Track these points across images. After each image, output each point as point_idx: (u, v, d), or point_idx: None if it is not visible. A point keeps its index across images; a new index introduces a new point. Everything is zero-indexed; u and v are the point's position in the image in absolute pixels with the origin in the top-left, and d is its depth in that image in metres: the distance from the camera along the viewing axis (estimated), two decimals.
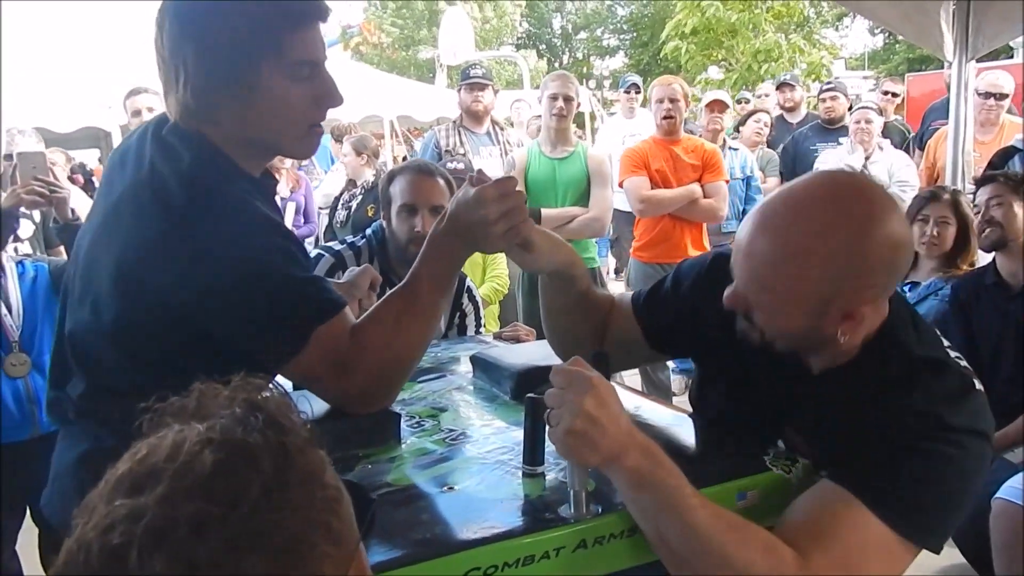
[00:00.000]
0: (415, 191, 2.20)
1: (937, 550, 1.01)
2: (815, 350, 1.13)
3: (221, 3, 1.17)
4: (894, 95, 5.89)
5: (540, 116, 5.82)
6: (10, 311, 2.36)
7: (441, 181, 2.24)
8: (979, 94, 4.25)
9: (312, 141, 1.30)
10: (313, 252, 2.35)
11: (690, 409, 1.41)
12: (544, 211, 3.50)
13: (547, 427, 1.06)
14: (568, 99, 3.56)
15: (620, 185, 3.85)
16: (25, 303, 2.39)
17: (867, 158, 4.32)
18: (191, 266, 1.12)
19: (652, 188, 3.69)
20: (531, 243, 1.28)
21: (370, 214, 4.16)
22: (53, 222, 2.71)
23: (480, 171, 1.30)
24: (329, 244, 2.45)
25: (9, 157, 3.07)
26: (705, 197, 3.70)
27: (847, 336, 1.05)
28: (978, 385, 1.07)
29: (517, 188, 1.25)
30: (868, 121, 4.34)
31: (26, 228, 2.86)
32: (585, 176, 3.57)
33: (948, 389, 1.04)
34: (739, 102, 7.55)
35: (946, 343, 1.14)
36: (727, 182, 3.86)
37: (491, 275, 3.50)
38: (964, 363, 1.10)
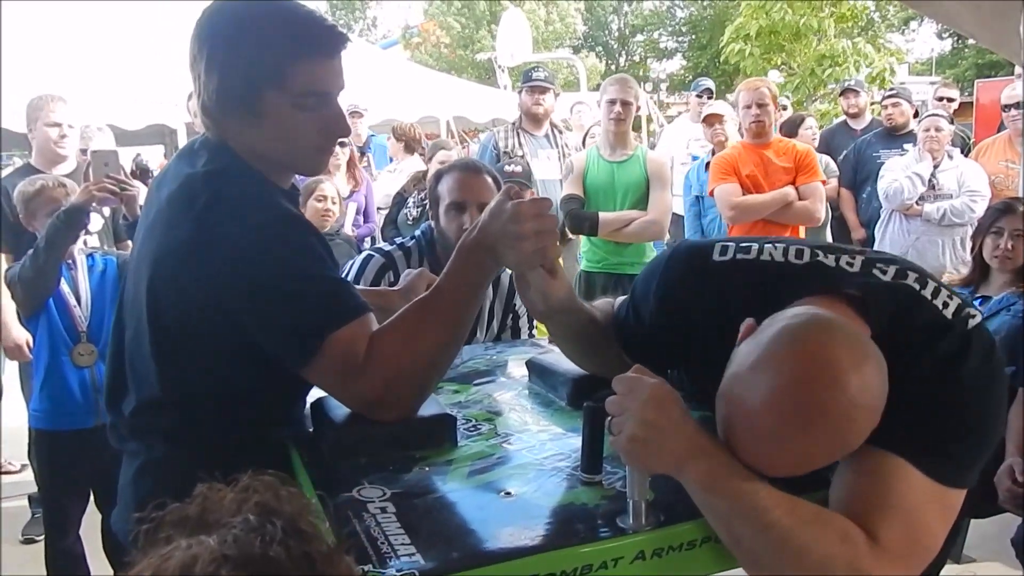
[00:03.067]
0: (463, 188, 2.19)
1: (974, 484, 1.04)
2: None
3: (234, 26, 1.19)
4: (949, 100, 5.67)
5: (598, 123, 5.80)
6: (79, 302, 2.44)
7: (489, 179, 2.23)
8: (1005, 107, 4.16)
9: (321, 162, 1.32)
10: (363, 253, 2.37)
11: None
12: (602, 215, 3.47)
13: (607, 435, 1.04)
14: (626, 104, 3.54)
15: (710, 194, 3.78)
16: (93, 295, 2.47)
17: (936, 167, 4.17)
18: (216, 263, 1.13)
19: (744, 194, 3.61)
20: (555, 269, 1.26)
21: None
22: (123, 219, 2.79)
23: (517, 187, 1.27)
24: (379, 245, 2.47)
25: (84, 152, 3.18)
26: (800, 199, 3.59)
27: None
28: (971, 324, 1.06)
29: (552, 212, 1.22)
30: (939, 129, 4.17)
31: (95, 222, 2.95)
32: (644, 179, 3.53)
33: (950, 346, 1.04)
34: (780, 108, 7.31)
35: (915, 282, 1.09)
36: (824, 183, 3.73)
37: None
38: (951, 299, 1.08)
